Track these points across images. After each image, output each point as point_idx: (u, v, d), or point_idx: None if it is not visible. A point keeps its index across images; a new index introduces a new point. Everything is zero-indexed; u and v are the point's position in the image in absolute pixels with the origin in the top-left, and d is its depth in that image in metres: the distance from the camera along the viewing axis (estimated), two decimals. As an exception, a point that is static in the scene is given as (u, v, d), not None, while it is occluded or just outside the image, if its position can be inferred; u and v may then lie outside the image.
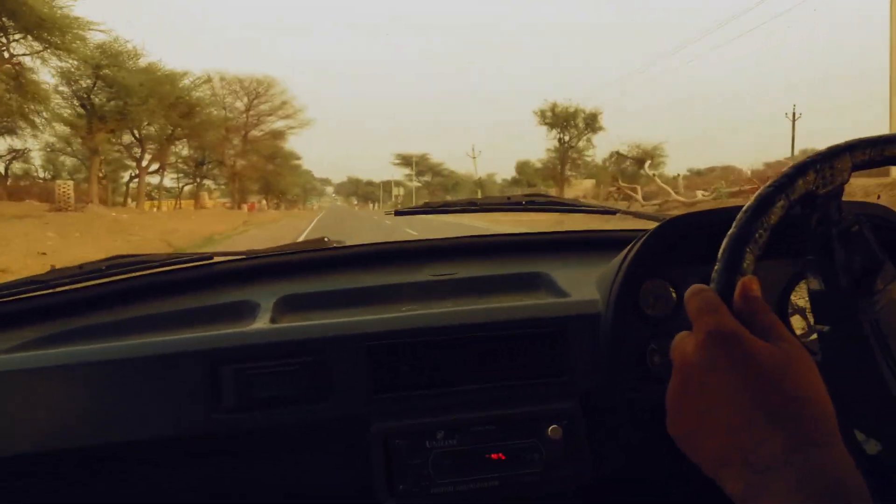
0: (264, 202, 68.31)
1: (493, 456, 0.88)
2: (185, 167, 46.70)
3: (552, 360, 0.93)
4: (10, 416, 0.84)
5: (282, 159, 61.28)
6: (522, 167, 66.56)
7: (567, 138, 40.60)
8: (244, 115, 47.26)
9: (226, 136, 43.45)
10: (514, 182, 63.29)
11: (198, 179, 48.78)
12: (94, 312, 1.08)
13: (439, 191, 71.72)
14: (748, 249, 0.46)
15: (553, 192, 39.48)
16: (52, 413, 0.85)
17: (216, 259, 1.20)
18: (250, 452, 0.93)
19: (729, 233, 0.48)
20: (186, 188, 52.11)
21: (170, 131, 32.46)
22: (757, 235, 0.47)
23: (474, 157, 67.92)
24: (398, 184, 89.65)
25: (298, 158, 67.47)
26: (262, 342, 0.89)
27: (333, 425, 0.90)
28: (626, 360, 0.90)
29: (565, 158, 40.49)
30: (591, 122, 39.72)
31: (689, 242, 0.91)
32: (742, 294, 0.44)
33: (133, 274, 1.13)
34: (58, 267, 1.12)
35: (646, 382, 0.90)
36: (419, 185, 74.66)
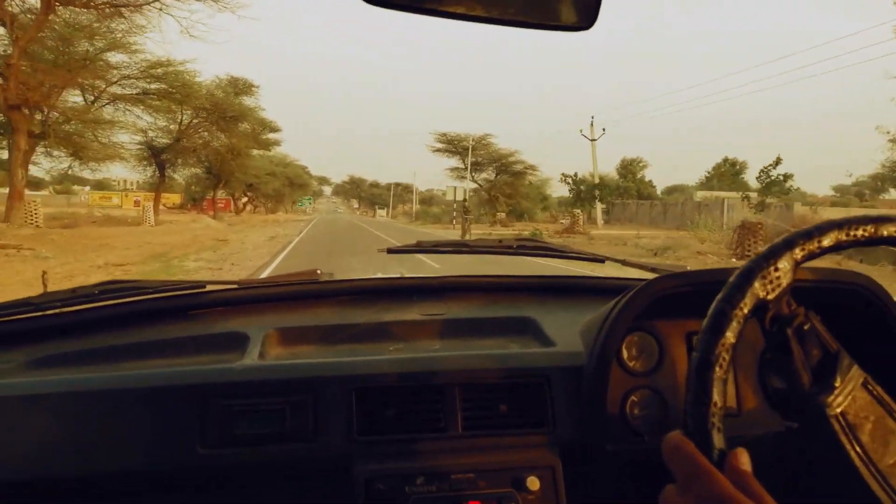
0: (244, 201, 39.89)
1: None
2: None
3: (534, 410, 0.96)
4: None
5: (244, 124, 32.07)
6: (629, 164, 40.94)
7: None
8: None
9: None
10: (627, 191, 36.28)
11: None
12: (85, 337, 1.09)
13: (513, 196, 41.47)
14: (714, 375, 0.46)
15: None
16: (40, 441, 0.86)
17: (209, 287, 1.21)
18: (233, 487, 0.95)
19: (693, 356, 0.48)
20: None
21: None
22: (720, 359, 0.47)
23: (594, 140, 36.80)
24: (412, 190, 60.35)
25: (277, 130, 38.23)
26: (249, 379, 0.92)
27: (316, 464, 0.92)
28: (607, 412, 0.93)
29: None
30: None
31: (676, 300, 0.94)
32: (732, 468, 0.43)
33: (125, 299, 1.14)
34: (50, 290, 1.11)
35: (626, 435, 0.94)
36: (475, 185, 40.50)
